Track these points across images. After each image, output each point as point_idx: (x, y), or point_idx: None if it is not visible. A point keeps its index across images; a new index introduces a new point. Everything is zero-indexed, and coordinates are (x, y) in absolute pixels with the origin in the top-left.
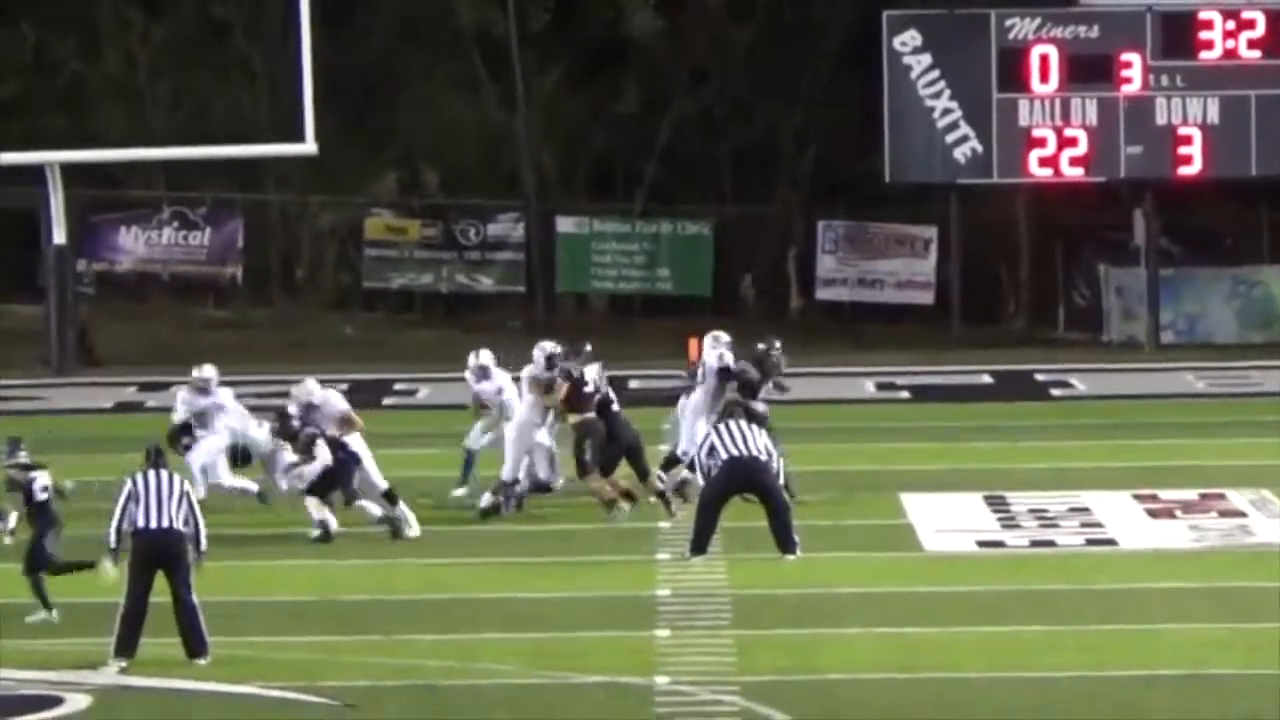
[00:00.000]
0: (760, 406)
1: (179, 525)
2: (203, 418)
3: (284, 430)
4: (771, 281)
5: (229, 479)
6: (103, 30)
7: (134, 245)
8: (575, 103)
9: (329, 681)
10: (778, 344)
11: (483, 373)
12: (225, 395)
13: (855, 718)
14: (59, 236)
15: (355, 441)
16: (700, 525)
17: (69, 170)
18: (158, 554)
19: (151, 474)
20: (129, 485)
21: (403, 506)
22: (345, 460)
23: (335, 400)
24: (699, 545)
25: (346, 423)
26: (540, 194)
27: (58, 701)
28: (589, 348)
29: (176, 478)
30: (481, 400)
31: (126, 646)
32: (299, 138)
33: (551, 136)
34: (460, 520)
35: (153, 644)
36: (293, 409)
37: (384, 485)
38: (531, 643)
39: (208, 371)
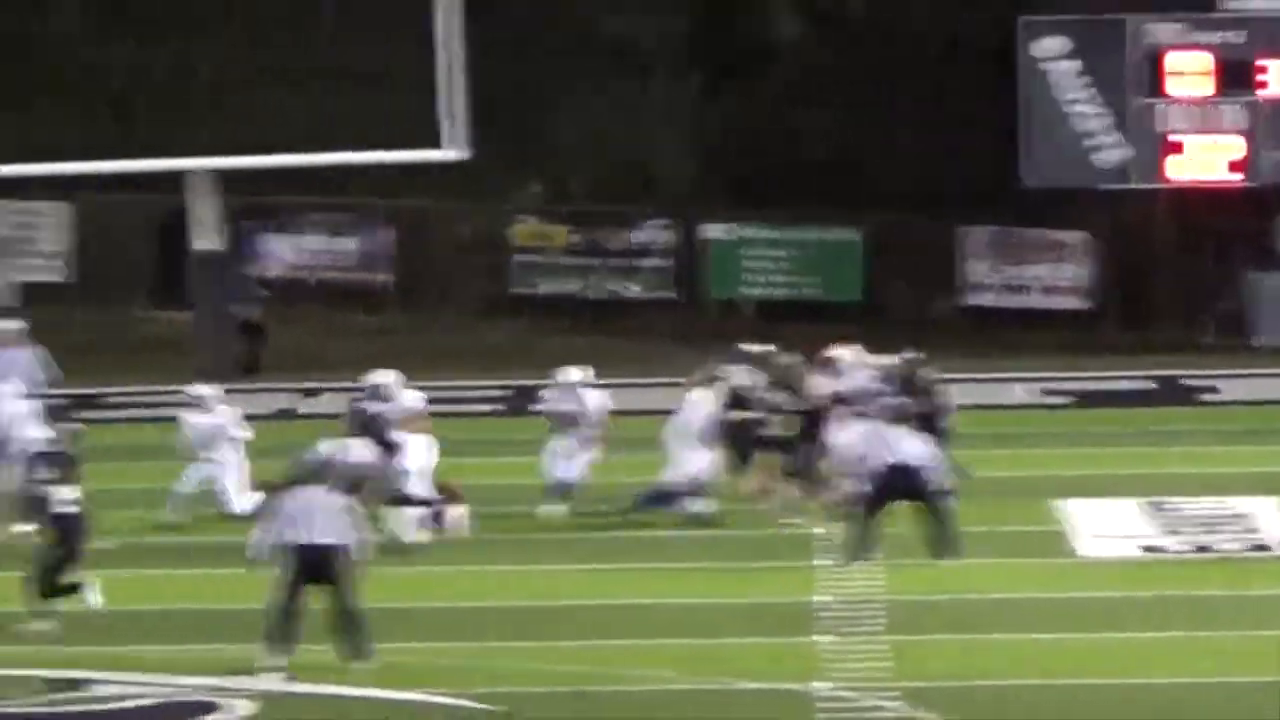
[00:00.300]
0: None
1: (332, 540)
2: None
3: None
4: (921, 287)
5: None
6: (253, 37)
7: (284, 252)
8: (721, 109)
9: (485, 688)
10: (920, 356)
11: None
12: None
13: None
14: (208, 243)
15: (419, 441)
16: (860, 531)
17: (222, 178)
18: (312, 569)
19: (304, 490)
20: (280, 499)
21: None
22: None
23: (410, 398)
24: (859, 551)
25: (412, 421)
26: (688, 200)
27: (213, 708)
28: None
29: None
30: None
31: (278, 643)
32: (448, 144)
33: (698, 143)
34: (618, 526)
35: (312, 650)
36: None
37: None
38: (690, 648)
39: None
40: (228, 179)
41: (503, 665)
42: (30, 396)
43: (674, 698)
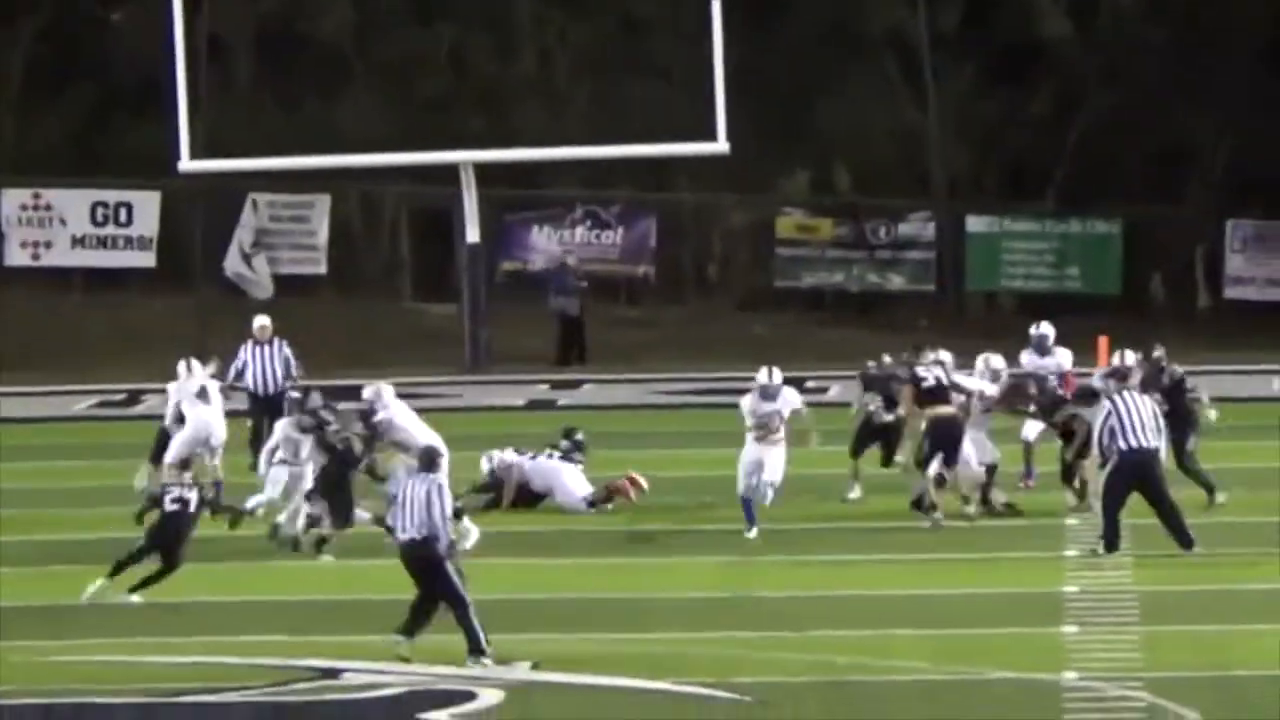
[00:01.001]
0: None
1: (422, 533)
2: None
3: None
4: (1181, 280)
5: None
6: (520, 29)
7: (547, 245)
8: (986, 103)
9: (741, 678)
10: (1160, 351)
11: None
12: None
13: (1264, 717)
14: (473, 236)
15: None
16: (1108, 521)
17: (483, 170)
18: (410, 563)
19: (415, 480)
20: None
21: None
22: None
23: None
24: (1113, 542)
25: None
26: (951, 193)
27: (471, 696)
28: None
29: (435, 483)
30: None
31: (408, 630)
32: (712, 137)
33: (962, 137)
34: (870, 516)
35: (560, 639)
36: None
37: None
38: (940, 638)
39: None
40: (493, 173)
41: (753, 656)
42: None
43: (927, 688)
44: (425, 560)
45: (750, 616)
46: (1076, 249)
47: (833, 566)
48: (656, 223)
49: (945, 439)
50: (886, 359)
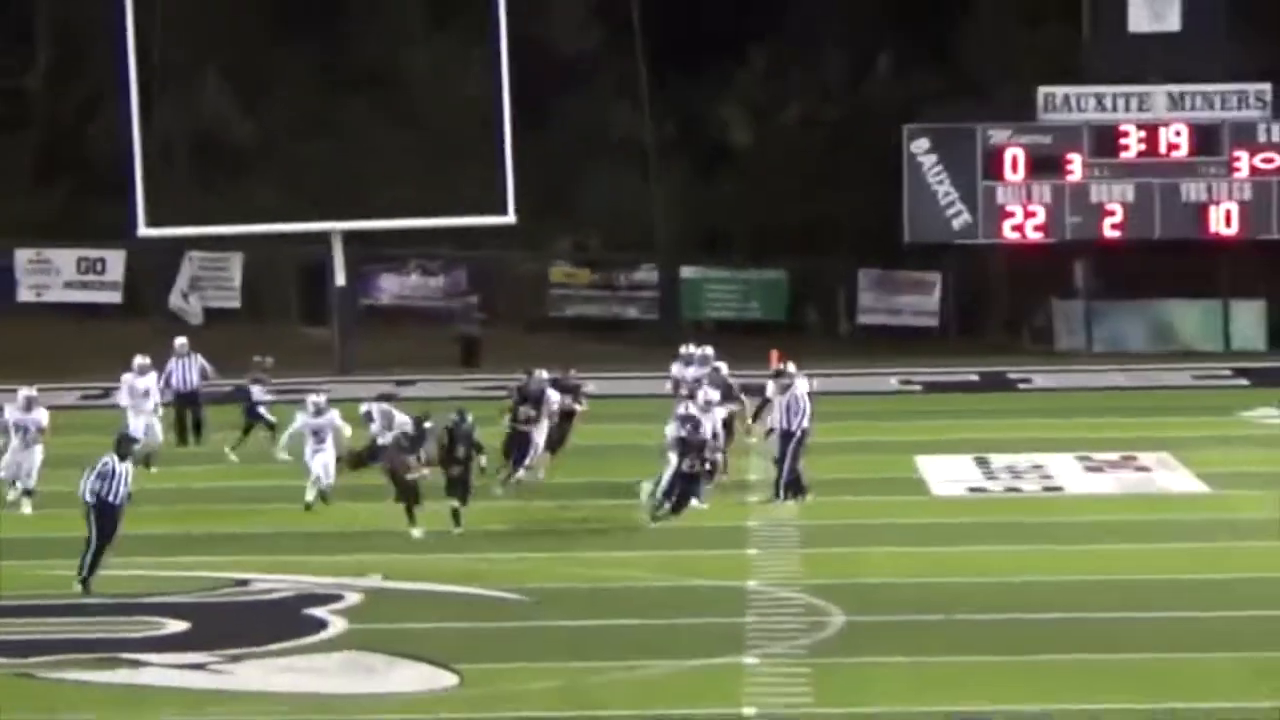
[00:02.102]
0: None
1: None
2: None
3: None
4: (828, 311)
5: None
6: (372, 146)
7: (390, 287)
8: (694, 187)
9: (530, 584)
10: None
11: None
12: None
13: (889, 613)
14: (340, 280)
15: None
16: (789, 474)
17: (348, 234)
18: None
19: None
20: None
21: None
22: None
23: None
24: (789, 491)
25: None
26: (670, 251)
27: (340, 597)
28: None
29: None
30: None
31: None
32: (504, 211)
33: (678, 211)
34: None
35: (402, 558)
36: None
37: None
38: (666, 559)
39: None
40: (354, 235)
41: (540, 569)
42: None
43: (655, 594)
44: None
45: (539, 542)
46: (755, 289)
47: (600, 510)
48: (468, 270)
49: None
50: (542, 373)
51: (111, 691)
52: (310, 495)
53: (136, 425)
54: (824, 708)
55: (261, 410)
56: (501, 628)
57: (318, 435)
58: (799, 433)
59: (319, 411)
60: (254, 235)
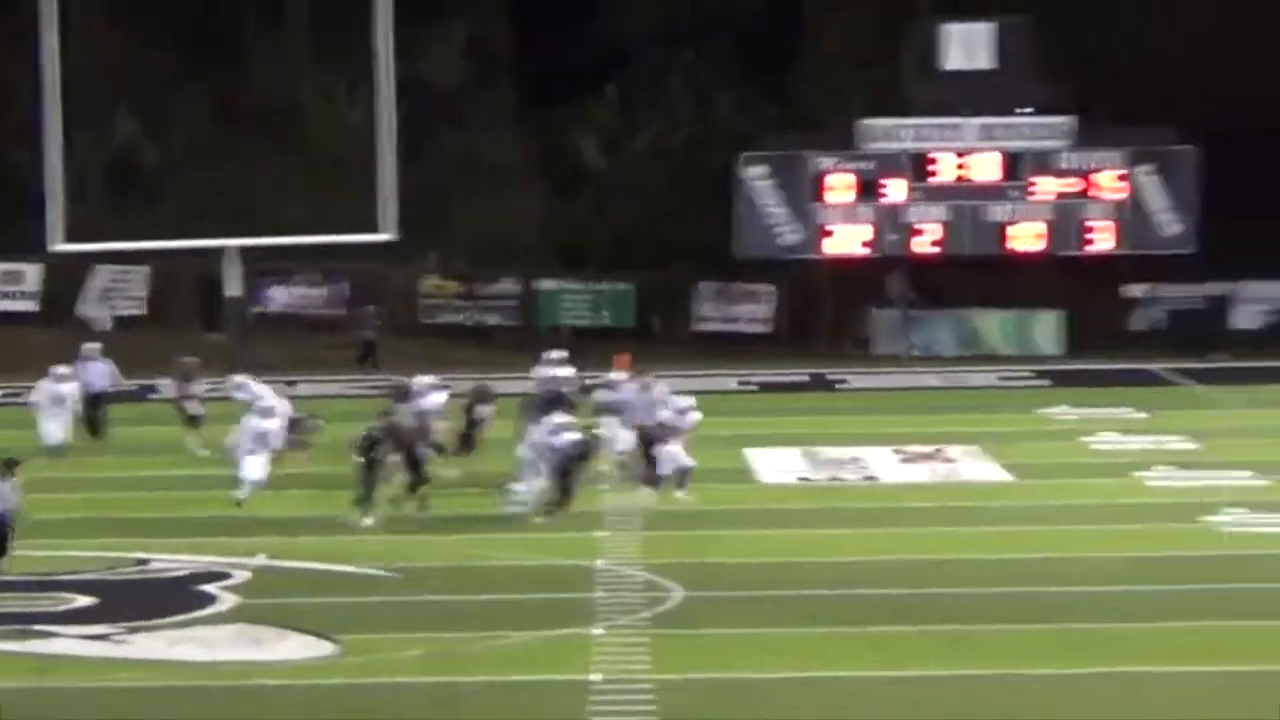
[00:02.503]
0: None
1: None
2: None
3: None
4: (672, 319)
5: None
6: (265, 170)
7: (283, 297)
8: (551, 208)
9: (400, 562)
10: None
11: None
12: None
13: (730, 590)
14: (235, 291)
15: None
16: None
17: (243, 249)
18: None
19: None
20: None
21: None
22: None
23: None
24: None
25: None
26: (530, 263)
27: (229, 575)
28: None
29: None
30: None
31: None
32: (386, 230)
33: (537, 227)
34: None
35: (286, 540)
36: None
37: None
38: (529, 540)
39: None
40: (247, 249)
41: (407, 550)
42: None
43: (502, 570)
44: None
45: (409, 524)
46: (606, 299)
47: (464, 497)
48: (349, 282)
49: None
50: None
51: (24, 660)
52: (244, 494)
53: (48, 429)
54: (664, 674)
55: (185, 405)
56: (375, 602)
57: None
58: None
59: (266, 414)
60: (158, 250)
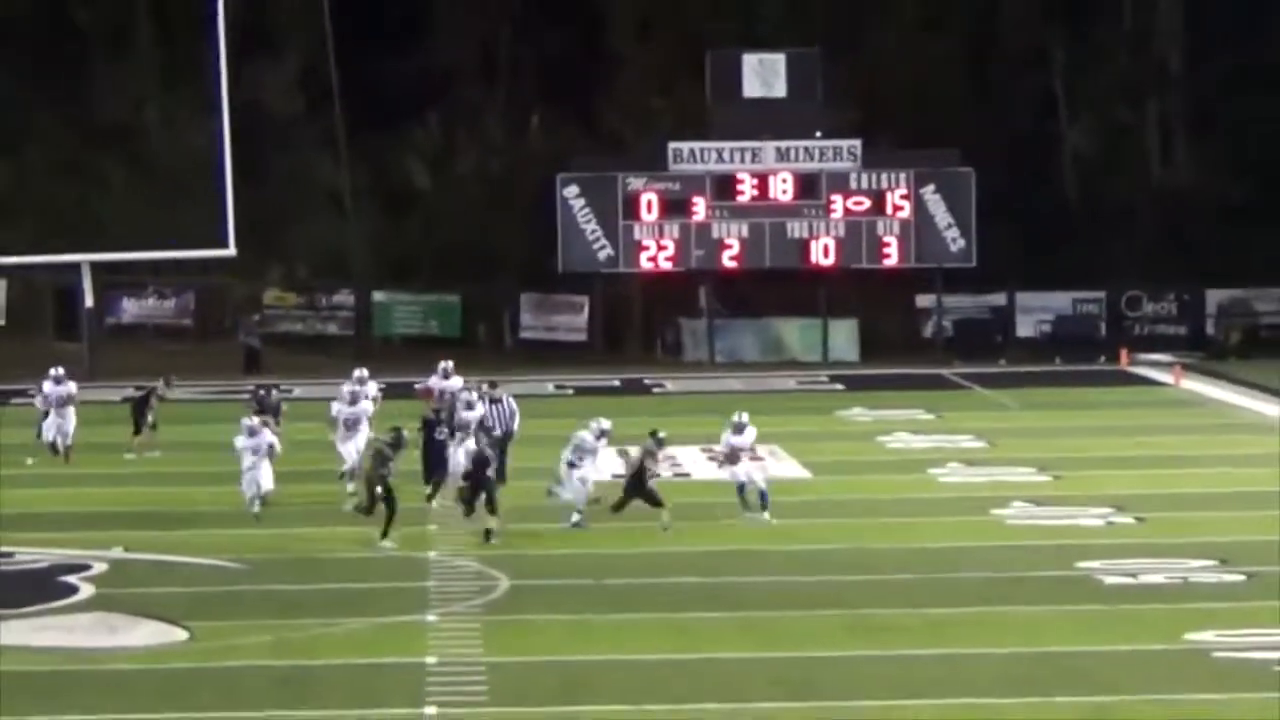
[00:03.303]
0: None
1: None
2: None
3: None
4: (496, 328)
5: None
6: (118, 191)
7: (134, 309)
8: (388, 226)
9: (247, 555)
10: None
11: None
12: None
13: (552, 577)
14: (89, 302)
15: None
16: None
17: (96, 264)
18: None
19: None
20: None
21: None
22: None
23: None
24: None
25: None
26: (364, 277)
27: (89, 567)
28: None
29: None
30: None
31: None
32: (226, 245)
33: (371, 243)
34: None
35: (145, 533)
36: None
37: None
38: (368, 534)
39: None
40: (100, 264)
41: (255, 542)
42: None
43: (342, 561)
44: None
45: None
46: (435, 310)
47: (307, 493)
48: (195, 294)
49: None
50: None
51: None
52: (256, 508)
53: None
54: (494, 656)
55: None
56: (224, 591)
57: (255, 453)
58: (511, 432)
59: (253, 432)
60: (15, 265)
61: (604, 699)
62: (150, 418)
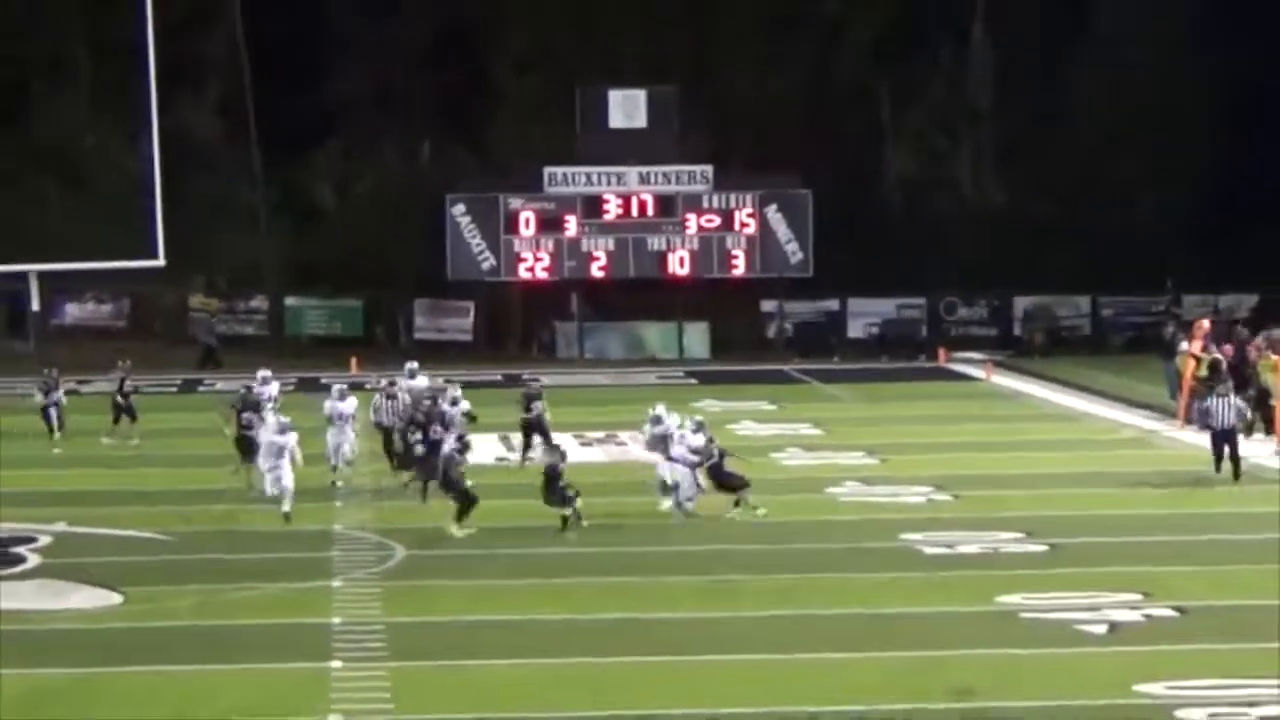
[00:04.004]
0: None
1: None
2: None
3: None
4: (393, 328)
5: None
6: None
7: (74, 312)
8: (293, 244)
9: (176, 528)
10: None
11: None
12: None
13: (449, 558)
14: (36, 306)
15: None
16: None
17: (42, 273)
18: None
19: None
20: None
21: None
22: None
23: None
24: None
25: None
26: (278, 284)
27: (35, 539)
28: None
29: None
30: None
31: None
32: (155, 256)
33: (283, 254)
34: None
35: (88, 510)
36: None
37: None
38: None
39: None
40: (45, 272)
41: (183, 518)
42: None
43: (258, 534)
44: None
45: (185, 498)
46: (339, 313)
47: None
48: (130, 300)
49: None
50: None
51: None
52: (286, 506)
53: None
54: (393, 617)
55: (119, 400)
56: (155, 560)
57: (278, 455)
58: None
59: (283, 430)
60: None
61: (487, 655)
62: (124, 403)
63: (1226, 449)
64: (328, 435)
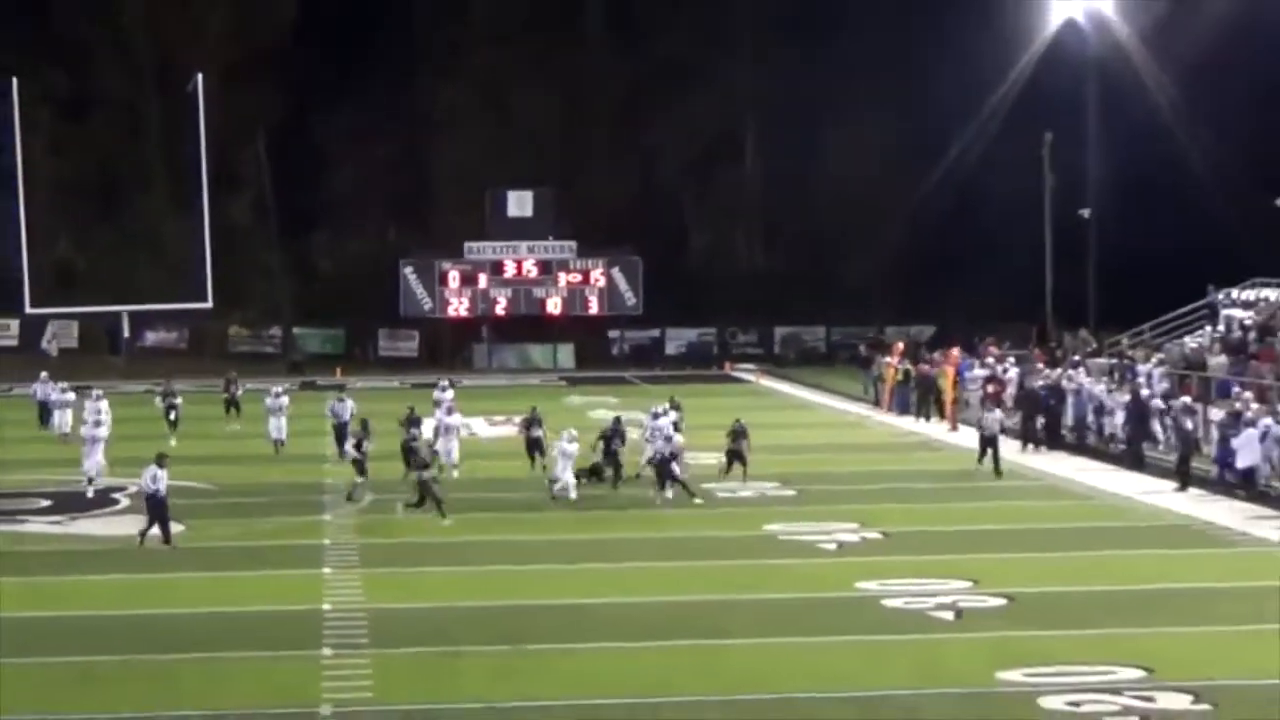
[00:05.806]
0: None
1: None
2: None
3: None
4: (364, 349)
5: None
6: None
7: (152, 338)
8: (302, 288)
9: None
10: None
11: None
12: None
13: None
14: (126, 333)
15: None
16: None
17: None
18: None
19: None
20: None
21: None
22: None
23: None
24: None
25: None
26: (289, 318)
27: (125, 488)
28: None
29: None
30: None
31: None
32: (205, 299)
33: (291, 299)
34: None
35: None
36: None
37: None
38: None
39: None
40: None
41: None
42: None
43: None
44: None
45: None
46: (329, 338)
47: (224, 472)
48: (189, 330)
49: None
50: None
51: (6, 535)
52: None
53: None
54: (377, 604)
55: (227, 398)
56: (209, 503)
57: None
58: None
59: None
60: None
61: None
62: (235, 397)
63: (990, 451)
64: (437, 444)
